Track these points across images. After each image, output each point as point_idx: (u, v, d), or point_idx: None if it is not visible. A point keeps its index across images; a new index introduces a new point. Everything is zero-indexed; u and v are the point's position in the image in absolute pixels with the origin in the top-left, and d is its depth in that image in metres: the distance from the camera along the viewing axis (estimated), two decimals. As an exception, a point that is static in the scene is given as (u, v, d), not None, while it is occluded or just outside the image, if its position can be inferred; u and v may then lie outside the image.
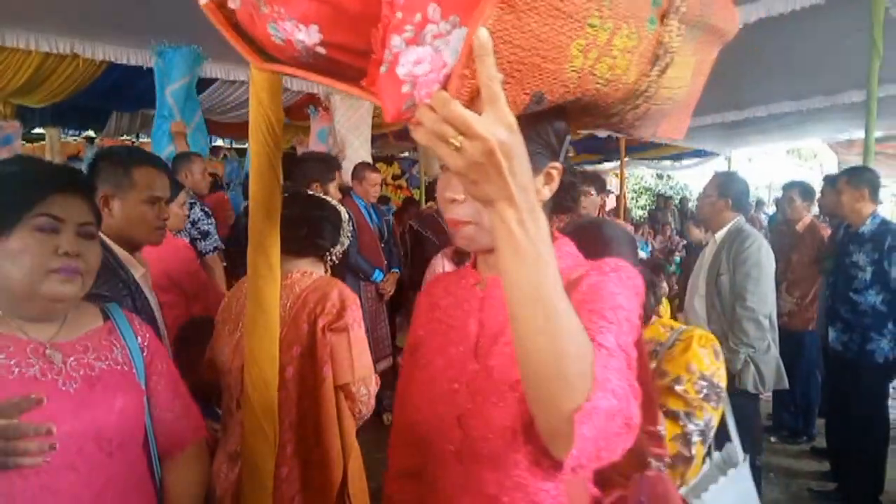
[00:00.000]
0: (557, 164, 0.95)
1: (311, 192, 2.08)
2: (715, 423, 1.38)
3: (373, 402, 1.75)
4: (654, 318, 1.50)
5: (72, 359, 1.15)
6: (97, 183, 1.72)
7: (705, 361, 1.36)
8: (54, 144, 6.31)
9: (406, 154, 10.65)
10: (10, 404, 1.00)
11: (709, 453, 1.47)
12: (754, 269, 2.99)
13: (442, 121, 0.63)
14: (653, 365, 1.38)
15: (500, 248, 0.70)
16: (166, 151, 3.92)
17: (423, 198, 7.05)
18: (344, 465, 1.66)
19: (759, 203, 12.84)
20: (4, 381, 1.06)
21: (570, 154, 1.05)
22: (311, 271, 1.81)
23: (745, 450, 3.05)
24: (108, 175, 1.74)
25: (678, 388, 1.34)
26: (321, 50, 0.84)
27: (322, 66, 0.88)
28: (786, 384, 3.07)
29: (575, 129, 1.05)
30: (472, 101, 0.66)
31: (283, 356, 1.49)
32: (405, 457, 1.16)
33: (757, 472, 3.54)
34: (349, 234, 1.91)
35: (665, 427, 1.26)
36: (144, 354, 1.29)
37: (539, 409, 0.76)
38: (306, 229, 1.80)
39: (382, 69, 0.72)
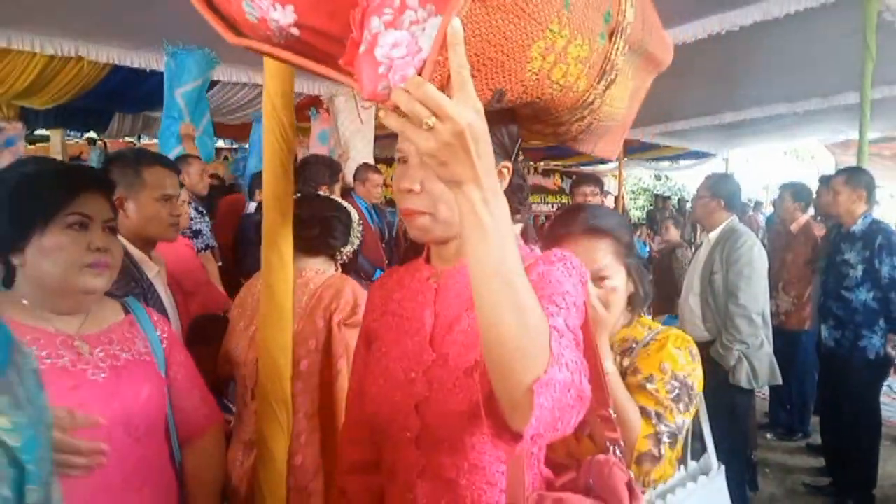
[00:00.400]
0: (508, 164, 1.01)
1: (321, 193, 2.13)
2: (688, 427, 1.36)
3: None
4: (635, 317, 1.47)
5: (98, 349, 1.22)
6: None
7: (680, 361, 1.33)
8: (58, 146, 6.35)
9: (406, 155, 10.67)
10: (66, 417, 1.05)
11: (684, 461, 1.46)
12: (746, 268, 3.07)
13: (416, 102, 0.67)
14: (626, 362, 1.38)
15: (465, 228, 0.74)
16: (174, 152, 3.97)
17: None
18: None
19: (757, 204, 12.92)
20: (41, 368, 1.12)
21: (521, 156, 1.11)
22: (323, 269, 1.87)
23: (738, 445, 3.10)
24: (120, 177, 1.80)
25: (650, 386, 1.31)
26: (294, 31, 0.87)
27: (293, 47, 0.91)
28: (779, 380, 3.14)
29: (525, 139, 1.11)
30: (443, 87, 0.70)
31: (299, 350, 1.55)
32: (358, 451, 1.19)
33: (752, 467, 3.63)
34: (359, 235, 1.96)
35: (640, 425, 1.27)
36: (164, 346, 1.36)
37: (501, 382, 0.78)
38: (319, 229, 1.85)
39: (361, 49, 0.76)
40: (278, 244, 1.26)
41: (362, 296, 1.76)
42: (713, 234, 3.28)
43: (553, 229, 1.45)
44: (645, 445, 1.26)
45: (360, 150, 4.65)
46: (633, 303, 1.42)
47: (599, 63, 1.00)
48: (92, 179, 1.26)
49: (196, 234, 3.52)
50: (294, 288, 1.67)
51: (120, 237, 1.60)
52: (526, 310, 0.74)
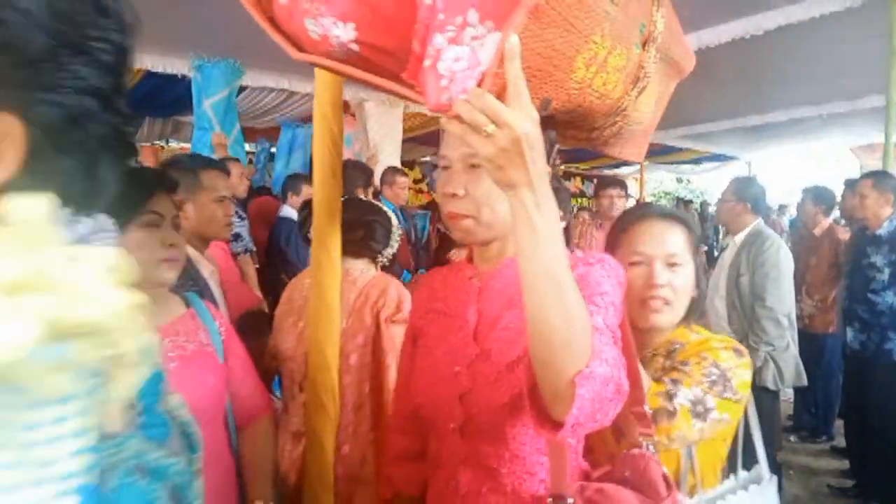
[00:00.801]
0: (548, 168, 1.07)
1: (361, 198, 2.21)
2: (711, 404, 1.26)
3: None
4: (690, 322, 1.42)
5: (167, 341, 1.31)
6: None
7: (722, 354, 1.29)
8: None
9: (427, 158, 10.77)
10: None
11: (734, 470, 1.43)
12: (773, 271, 3.09)
13: (477, 111, 0.74)
14: (668, 363, 1.35)
15: (517, 228, 0.79)
16: (206, 161, 4.08)
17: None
18: None
19: (782, 207, 12.80)
20: None
21: (558, 161, 1.17)
22: (367, 270, 1.95)
23: (764, 445, 3.11)
24: (179, 181, 1.91)
25: (683, 367, 1.27)
26: (354, 47, 0.94)
27: (351, 61, 0.97)
28: (804, 381, 3.16)
29: (559, 143, 1.15)
30: (499, 97, 0.76)
31: (347, 345, 1.63)
32: (404, 441, 1.26)
33: (777, 469, 3.63)
34: (398, 239, 2.03)
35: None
36: (222, 337, 1.45)
37: (545, 374, 0.84)
38: (362, 232, 1.92)
39: (426, 63, 0.83)
40: (327, 244, 1.34)
41: (406, 294, 1.83)
42: (739, 237, 3.31)
43: (625, 217, 1.44)
44: (656, 402, 1.23)
45: (388, 154, 4.75)
46: (690, 308, 1.38)
47: (634, 71, 1.06)
48: (161, 180, 1.36)
49: (236, 237, 3.58)
50: (342, 286, 1.76)
51: None
52: (572, 307, 0.80)
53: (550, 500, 1.01)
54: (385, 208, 2.09)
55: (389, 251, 2.01)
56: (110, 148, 0.53)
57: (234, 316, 2.09)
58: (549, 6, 0.79)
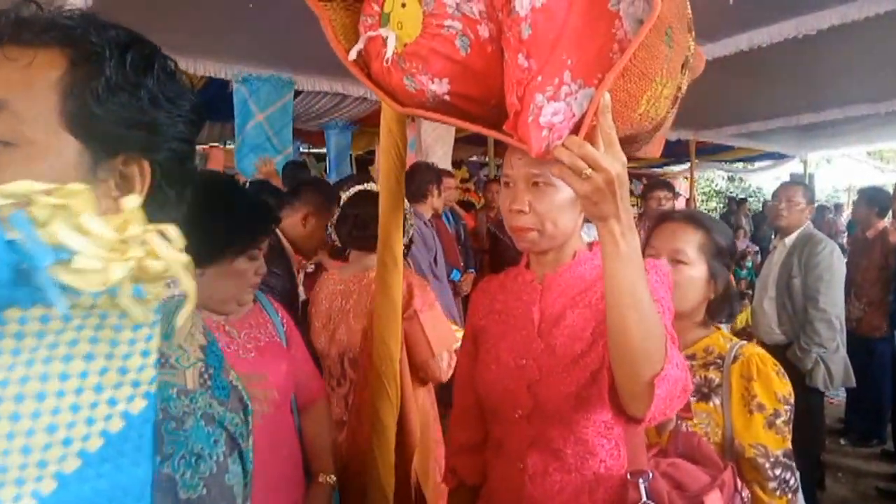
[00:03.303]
0: None
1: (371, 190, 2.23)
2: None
3: (448, 373, 1.99)
4: (713, 327, 1.50)
5: (243, 333, 1.48)
6: (300, 202, 2.37)
7: (787, 387, 1.37)
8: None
9: (474, 158, 10.86)
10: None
11: None
12: (826, 273, 3.12)
13: (577, 157, 0.88)
14: (711, 375, 1.41)
15: (605, 253, 0.93)
16: (252, 177, 4.10)
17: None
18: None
19: (838, 207, 12.45)
20: None
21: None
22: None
23: (809, 446, 3.13)
24: (312, 199, 2.35)
25: (778, 421, 1.33)
26: (446, 97, 1.10)
27: (441, 108, 1.13)
28: (853, 382, 3.18)
29: None
30: (591, 142, 0.90)
31: (369, 343, 1.76)
32: (465, 434, 1.39)
33: (820, 469, 3.63)
34: (408, 231, 2.10)
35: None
36: (285, 328, 1.61)
37: (624, 378, 0.99)
38: (374, 227, 2.06)
39: (529, 118, 0.97)
40: (392, 246, 1.48)
41: (417, 285, 1.95)
42: (788, 239, 3.33)
43: (656, 219, 1.59)
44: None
45: (440, 157, 4.90)
46: (710, 310, 1.49)
47: (675, 93, 1.16)
48: (274, 218, 1.55)
49: None
50: (362, 286, 1.97)
51: (280, 234, 2.23)
52: (649, 319, 0.94)
53: (630, 475, 1.14)
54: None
55: (405, 239, 2.04)
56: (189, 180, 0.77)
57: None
58: (631, 63, 0.92)
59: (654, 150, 1.38)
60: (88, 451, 0.55)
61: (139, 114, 0.66)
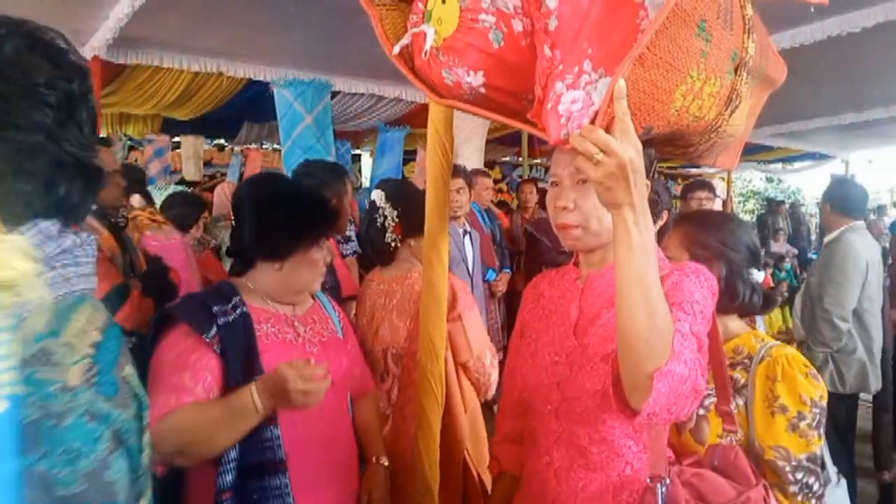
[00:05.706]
0: (647, 182, 1.17)
1: None
2: None
3: (492, 373, 2.02)
4: (748, 328, 1.49)
5: (308, 328, 1.54)
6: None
7: (819, 390, 1.32)
8: (197, 152, 7.02)
9: (507, 158, 10.85)
10: (304, 364, 1.29)
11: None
12: (838, 274, 3.08)
13: (589, 142, 0.88)
14: (737, 375, 1.40)
15: (617, 241, 0.93)
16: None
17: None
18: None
19: (880, 208, 12.11)
20: (274, 342, 1.45)
21: (656, 175, 1.30)
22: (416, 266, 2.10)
23: (837, 453, 3.05)
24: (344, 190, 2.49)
25: (802, 424, 1.29)
26: (482, 90, 1.12)
27: (479, 101, 1.15)
28: (870, 389, 3.12)
29: (658, 158, 1.30)
30: (608, 130, 0.90)
31: (413, 344, 1.81)
32: (509, 424, 1.42)
33: (852, 473, 3.52)
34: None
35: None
36: (342, 326, 1.67)
37: (627, 367, 0.98)
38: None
39: (548, 106, 0.98)
40: (438, 246, 1.50)
41: (460, 288, 1.97)
42: (827, 239, 3.31)
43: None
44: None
45: (467, 159, 4.92)
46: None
47: (727, 94, 1.16)
48: (333, 209, 1.63)
49: (346, 240, 3.80)
50: (404, 289, 2.01)
51: None
52: (656, 312, 0.93)
53: (649, 479, 1.13)
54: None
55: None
56: (67, 171, 0.70)
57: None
58: (651, 52, 0.92)
59: (728, 161, 1.37)
60: None
61: None
